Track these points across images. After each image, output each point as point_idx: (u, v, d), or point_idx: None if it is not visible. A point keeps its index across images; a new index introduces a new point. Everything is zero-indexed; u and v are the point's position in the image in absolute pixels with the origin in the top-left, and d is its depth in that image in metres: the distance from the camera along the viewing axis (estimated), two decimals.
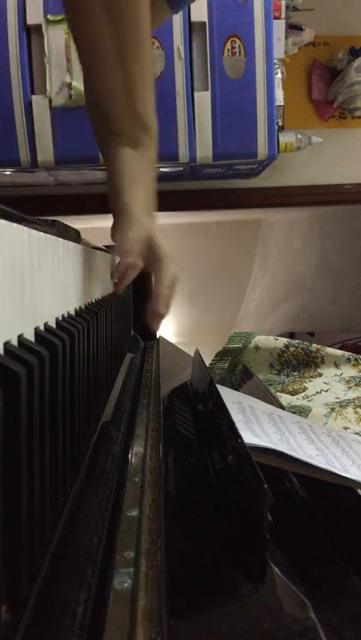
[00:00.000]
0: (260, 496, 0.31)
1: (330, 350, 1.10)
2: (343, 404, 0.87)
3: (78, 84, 1.37)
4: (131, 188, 0.56)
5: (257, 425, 0.53)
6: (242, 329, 2.65)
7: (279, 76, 1.53)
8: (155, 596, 0.27)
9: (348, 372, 1.04)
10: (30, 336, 0.31)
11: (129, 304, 1.04)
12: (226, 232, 3.36)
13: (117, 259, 0.57)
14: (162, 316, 0.56)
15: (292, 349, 1.10)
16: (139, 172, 0.57)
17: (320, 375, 1.04)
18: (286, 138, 1.61)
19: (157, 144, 0.61)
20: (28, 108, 1.40)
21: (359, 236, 2.56)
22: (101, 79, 0.56)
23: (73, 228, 0.58)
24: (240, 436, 0.39)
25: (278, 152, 1.52)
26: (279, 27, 1.50)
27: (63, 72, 1.38)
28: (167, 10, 0.71)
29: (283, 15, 1.50)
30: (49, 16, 1.36)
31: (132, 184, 0.56)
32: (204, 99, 1.43)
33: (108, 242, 0.69)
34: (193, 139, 1.45)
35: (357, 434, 0.76)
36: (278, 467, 0.46)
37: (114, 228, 0.61)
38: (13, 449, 0.25)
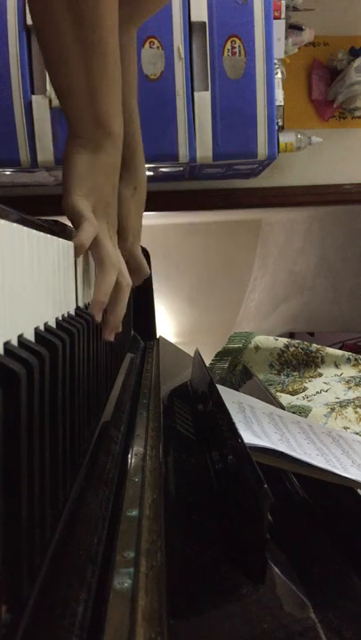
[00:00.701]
0: (260, 496, 0.31)
1: (330, 350, 1.10)
2: (343, 404, 0.87)
3: None
4: (81, 193, 0.54)
5: (257, 425, 0.53)
6: (242, 329, 2.65)
7: (279, 76, 1.53)
8: (155, 596, 0.27)
9: (348, 372, 1.04)
10: (30, 336, 0.31)
11: (129, 304, 1.04)
12: (226, 232, 3.37)
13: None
14: (109, 326, 0.53)
15: (292, 349, 1.10)
16: (94, 177, 0.55)
17: (320, 375, 1.04)
18: (286, 138, 1.61)
19: (121, 144, 0.59)
20: (28, 108, 1.40)
21: (359, 236, 2.56)
22: (62, 79, 0.55)
23: (73, 228, 0.58)
24: (240, 436, 0.39)
25: (278, 152, 1.52)
26: (279, 27, 1.50)
27: None
28: None
29: (283, 15, 1.50)
30: None
31: (84, 189, 0.55)
32: (204, 99, 1.43)
33: None
34: (193, 139, 1.45)
35: (357, 434, 0.76)
36: (278, 467, 0.46)
37: None
38: (13, 449, 0.25)
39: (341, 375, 1.03)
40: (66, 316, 0.41)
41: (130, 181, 0.72)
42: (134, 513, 0.34)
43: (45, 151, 1.41)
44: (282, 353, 1.10)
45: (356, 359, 1.07)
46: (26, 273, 0.30)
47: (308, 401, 0.92)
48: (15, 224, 0.28)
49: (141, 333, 1.13)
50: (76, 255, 0.48)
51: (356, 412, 0.84)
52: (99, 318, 0.50)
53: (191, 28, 1.41)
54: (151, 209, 1.91)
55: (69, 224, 0.55)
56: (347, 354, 1.09)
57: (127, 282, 0.56)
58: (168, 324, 3.59)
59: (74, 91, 0.54)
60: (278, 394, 0.95)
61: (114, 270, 0.53)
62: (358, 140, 1.94)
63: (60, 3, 0.51)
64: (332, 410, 0.85)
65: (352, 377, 1.01)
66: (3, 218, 0.27)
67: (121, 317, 0.55)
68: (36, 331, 0.32)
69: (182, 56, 1.40)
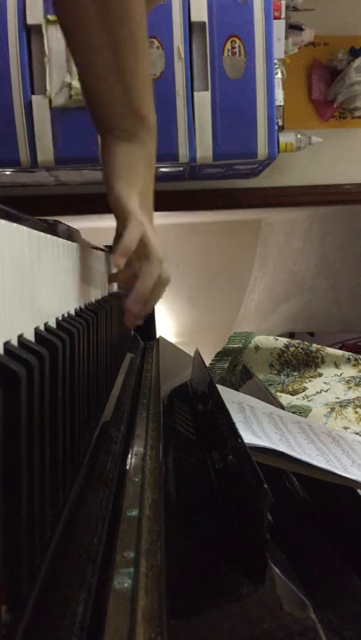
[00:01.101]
0: (260, 496, 0.31)
1: (330, 350, 1.10)
2: (343, 404, 0.87)
3: (78, 83, 1.37)
4: (124, 183, 0.54)
5: (257, 425, 0.53)
6: (242, 329, 2.65)
7: (279, 75, 1.53)
8: (155, 596, 0.26)
9: (348, 372, 1.04)
10: (30, 336, 0.31)
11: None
12: (226, 232, 3.37)
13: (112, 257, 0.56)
14: (136, 316, 0.54)
15: (292, 349, 1.10)
16: (133, 166, 0.55)
17: (320, 375, 1.04)
18: (286, 138, 1.61)
19: (156, 137, 0.58)
20: (28, 107, 1.40)
21: (359, 236, 2.56)
22: (93, 70, 0.54)
23: (73, 228, 0.58)
24: (240, 436, 0.39)
25: (278, 152, 1.52)
26: (279, 27, 1.50)
27: (63, 72, 1.38)
28: None
29: (283, 15, 1.50)
30: (49, 16, 1.36)
31: (125, 178, 0.54)
32: (204, 99, 1.43)
33: (108, 242, 0.69)
34: (193, 139, 1.45)
35: (357, 434, 0.76)
36: (278, 467, 0.46)
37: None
38: (13, 449, 0.25)
39: (341, 375, 1.03)
40: (66, 315, 0.41)
41: None
42: (134, 513, 0.34)
43: (45, 151, 1.41)
44: (282, 353, 1.10)
45: (356, 359, 1.07)
46: (26, 273, 0.30)
47: (309, 401, 0.92)
48: (15, 224, 0.28)
49: (141, 333, 1.13)
50: (123, 256, 0.49)
51: (356, 412, 0.84)
52: (137, 308, 0.52)
53: (191, 28, 1.41)
54: None
55: (69, 224, 0.55)
56: (347, 354, 1.09)
57: (168, 277, 0.56)
58: (168, 324, 3.59)
59: (105, 81, 0.54)
60: (278, 394, 0.95)
61: (159, 264, 0.54)
62: (358, 139, 1.94)
63: (90, 6, 0.50)
64: (332, 410, 0.85)
65: (352, 377, 1.01)
66: (3, 218, 0.27)
67: (151, 309, 0.56)
68: (36, 331, 0.32)
69: (182, 56, 1.40)
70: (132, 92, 0.54)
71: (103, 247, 0.77)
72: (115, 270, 0.55)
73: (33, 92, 1.40)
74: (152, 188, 0.59)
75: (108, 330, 0.60)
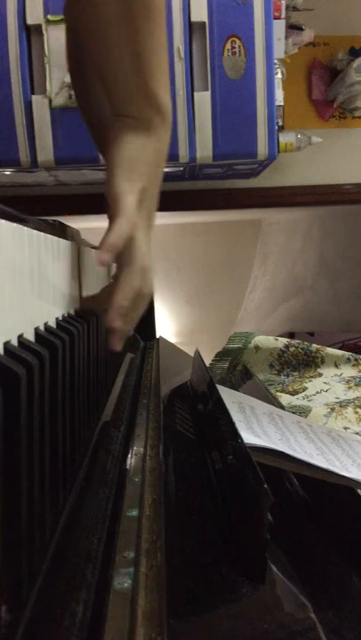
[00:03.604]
0: (260, 496, 0.31)
1: (330, 350, 1.10)
2: (343, 404, 0.87)
3: None
4: (126, 180, 0.48)
5: (257, 425, 0.53)
6: (242, 329, 2.65)
7: (279, 75, 1.53)
8: (155, 596, 0.26)
9: (349, 371, 1.04)
10: (30, 336, 0.31)
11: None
12: (226, 232, 3.37)
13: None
14: (120, 334, 0.47)
15: (292, 349, 1.10)
16: (140, 160, 0.49)
17: (320, 375, 1.04)
18: (286, 138, 1.61)
19: (170, 125, 0.53)
20: (28, 107, 1.40)
21: (359, 236, 2.56)
22: (108, 54, 0.48)
23: (73, 228, 0.58)
24: (240, 436, 0.39)
25: (278, 152, 1.52)
26: (279, 27, 1.50)
27: (63, 72, 1.38)
28: None
29: (283, 15, 1.50)
30: (49, 16, 1.36)
31: (128, 175, 0.48)
32: (204, 99, 1.43)
33: None
34: (193, 139, 1.45)
35: (357, 434, 0.76)
36: (278, 467, 0.46)
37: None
38: (13, 449, 0.25)
39: (341, 375, 1.03)
40: (66, 315, 0.41)
41: None
42: (134, 513, 0.34)
43: (45, 151, 1.41)
44: (282, 353, 1.10)
45: (356, 359, 1.07)
46: (26, 273, 0.30)
47: (309, 401, 0.92)
48: (15, 224, 0.28)
49: (141, 333, 1.13)
50: (107, 251, 0.43)
51: (356, 412, 0.84)
52: (116, 323, 0.46)
53: (191, 27, 1.41)
54: None
55: (69, 224, 0.55)
56: (347, 354, 1.09)
57: (150, 289, 0.49)
58: (168, 324, 3.59)
59: (119, 65, 0.48)
60: (278, 394, 0.95)
61: (141, 275, 0.47)
62: (358, 139, 1.94)
63: None
64: (333, 410, 0.85)
65: (352, 377, 1.01)
66: (3, 218, 0.27)
67: (134, 325, 0.51)
68: (36, 331, 0.32)
69: (182, 56, 1.40)
70: (151, 78, 0.48)
71: None
72: (98, 267, 0.50)
73: (33, 92, 1.40)
74: (158, 185, 0.53)
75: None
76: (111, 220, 0.47)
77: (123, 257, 0.47)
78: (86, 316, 0.46)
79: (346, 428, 0.80)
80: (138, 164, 0.49)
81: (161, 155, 0.52)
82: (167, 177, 1.65)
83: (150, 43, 0.48)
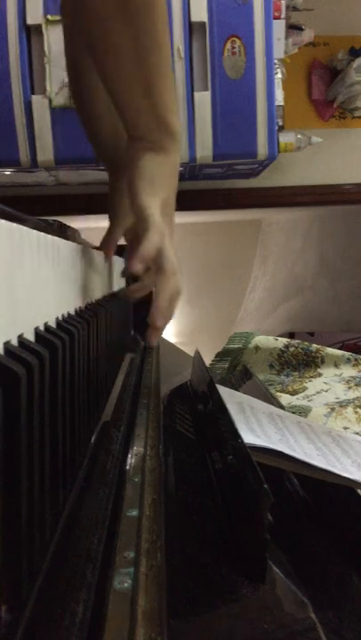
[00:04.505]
0: (260, 496, 0.31)
1: (330, 350, 1.10)
2: (343, 404, 0.87)
3: None
4: (148, 195, 0.54)
5: (257, 425, 0.53)
6: (242, 329, 2.65)
7: (279, 75, 1.53)
8: (155, 596, 0.26)
9: (349, 372, 1.04)
10: (30, 336, 0.31)
11: (129, 304, 1.04)
12: (226, 232, 3.37)
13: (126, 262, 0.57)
14: (159, 331, 0.55)
15: (292, 349, 1.10)
16: (158, 175, 0.56)
17: (320, 375, 1.04)
18: (286, 138, 1.61)
19: (180, 143, 0.59)
20: (28, 107, 1.40)
21: (359, 236, 2.56)
22: (121, 83, 0.53)
23: (73, 228, 0.58)
24: (240, 436, 0.39)
25: (278, 152, 1.52)
26: (279, 27, 1.50)
27: (63, 72, 1.37)
28: None
29: (283, 15, 1.50)
30: (49, 16, 1.36)
31: (149, 189, 0.55)
32: (204, 99, 1.43)
33: None
34: (193, 139, 1.45)
35: (357, 434, 0.76)
36: (278, 467, 0.46)
37: (129, 232, 0.60)
38: (13, 449, 0.25)
39: (341, 375, 1.03)
40: (66, 315, 0.41)
41: None
42: (134, 513, 0.34)
43: (45, 151, 1.41)
44: (282, 353, 1.10)
45: (356, 359, 1.07)
46: (26, 273, 0.30)
47: (309, 401, 0.92)
48: (15, 224, 0.28)
49: (141, 333, 1.13)
50: (140, 262, 0.49)
51: (356, 412, 0.84)
52: (160, 323, 0.53)
53: (191, 27, 1.41)
54: None
55: (69, 224, 0.55)
56: (347, 354, 1.09)
57: (180, 290, 0.57)
58: (168, 324, 3.59)
59: (132, 93, 0.53)
60: (278, 394, 0.95)
61: (175, 279, 0.55)
62: (358, 139, 1.94)
63: (116, 20, 0.50)
64: (333, 410, 0.85)
65: (352, 377, 1.01)
66: (3, 218, 0.27)
67: (170, 321, 0.57)
68: (36, 331, 0.32)
69: (182, 56, 1.40)
70: (159, 103, 0.54)
71: None
72: (116, 274, 0.55)
73: (33, 92, 1.40)
74: (174, 196, 0.59)
75: (108, 330, 0.60)
76: (112, 222, 0.54)
77: (155, 264, 0.54)
78: (87, 315, 0.46)
79: (346, 428, 0.80)
80: (157, 179, 0.56)
81: (175, 168, 0.58)
82: None
83: (160, 75, 0.53)
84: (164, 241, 0.53)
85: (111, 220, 0.68)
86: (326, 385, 0.98)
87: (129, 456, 0.45)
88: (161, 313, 0.53)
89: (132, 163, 0.55)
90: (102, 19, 0.51)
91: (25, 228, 0.30)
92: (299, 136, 1.62)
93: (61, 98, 1.39)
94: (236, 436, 0.39)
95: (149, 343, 0.55)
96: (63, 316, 0.40)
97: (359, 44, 1.86)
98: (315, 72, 1.90)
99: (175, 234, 0.58)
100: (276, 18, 1.46)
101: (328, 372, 1.05)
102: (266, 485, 0.30)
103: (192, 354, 0.84)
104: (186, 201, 1.86)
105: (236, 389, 0.90)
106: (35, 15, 1.37)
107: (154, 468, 0.42)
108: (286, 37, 1.56)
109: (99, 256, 0.61)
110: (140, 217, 0.54)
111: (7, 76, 1.38)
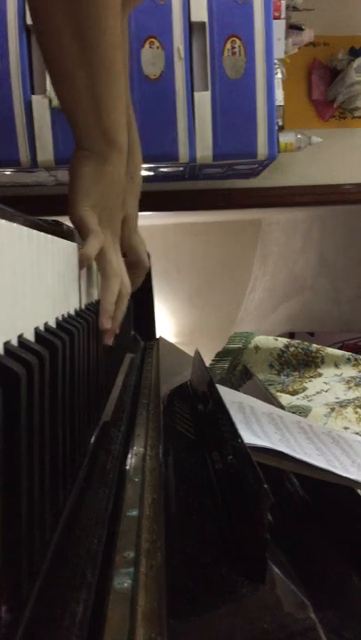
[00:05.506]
0: (260, 496, 0.31)
1: (330, 350, 1.10)
2: (343, 404, 0.87)
3: None
4: (86, 206, 0.56)
5: (257, 425, 0.53)
6: (242, 329, 2.65)
7: (279, 75, 1.53)
8: (155, 596, 0.26)
9: (349, 372, 1.04)
10: (30, 336, 0.31)
11: (129, 304, 1.04)
12: (226, 232, 3.37)
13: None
14: (110, 332, 0.55)
15: (292, 349, 1.10)
16: (98, 184, 0.57)
17: (320, 375, 1.04)
18: (286, 138, 1.61)
19: (126, 156, 0.60)
20: (28, 107, 1.40)
21: (359, 236, 2.56)
22: (68, 94, 0.55)
23: (73, 228, 0.58)
24: (240, 436, 0.39)
25: (278, 152, 1.52)
26: (279, 27, 1.50)
27: None
28: None
29: (283, 15, 1.50)
30: None
31: (87, 200, 0.56)
32: (204, 99, 1.43)
33: None
34: (193, 139, 1.45)
35: (357, 434, 0.76)
36: (278, 467, 0.46)
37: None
38: (13, 449, 0.25)
39: (341, 375, 1.03)
40: (66, 316, 0.41)
41: (127, 170, 0.74)
42: (134, 513, 0.34)
43: (45, 151, 1.41)
44: (282, 353, 1.10)
45: (356, 359, 1.07)
46: (26, 273, 0.30)
47: (309, 401, 0.92)
48: (15, 224, 0.28)
49: (141, 333, 1.13)
50: (81, 266, 0.50)
51: (356, 412, 0.84)
52: (108, 325, 0.54)
53: (191, 27, 1.41)
54: (151, 209, 1.91)
55: (70, 224, 0.55)
56: (347, 354, 1.09)
57: (127, 290, 0.59)
58: (168, 323, 3.59)
59: (79, 105, 0.54)
60: (278, 394, 0.95)
61: (117, 280, 0.56)
62: (358, 139, 1.94)
63: (61, 18, 0.50)
64: (333, 410, 0.85)
65: (352, 377, 1.01)
66: (3, 218, 0.27)
67: (120, 322, 0.58)
68: (36, 331, 0.32)
69: (182, 56, 1.40)
70: (106, 117, 0.55)
71: None
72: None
73: (33, 92, 1.40)
74: (118, 206, 0.60)
75: None
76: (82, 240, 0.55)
77: (99, 269, 0.57)
78: (87, 315, 0.46)
79: (346, 428, 0.80)
80: (93, 188, 0.57)
81: (115, 177, 0.58)
82: (167, 177, 1.65)
83: (109, 91, 0.54)
84: (104, 245, 0.55)
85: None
86: (326, 385, 0.98)
87: (129, 456, 0.45)
88: (107, 314, 0.54)
89: (73, 172, 0.57)
90: (53, 33, 0.51)
91: (25, 228, 0.30)
92: (299, 136, 1.62)
93: None
94: (236, 435, 0.39)
95: (105, 342, 0.56)
96: (63, 316, 0.40)
97: (359, 43, 1.86)
98: (315, 72, 1.90)
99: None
100: (276, 18, 1.46)
101: (328, 372, 1.05)
102: (266, 485, 0.30)
103: (192, 354, 0.84)
104: (186, 201, 1.86)
105: (236, 389, 0.90)
106: None
107: (154, 468, 0.42)
108: (286, 37, 1.56)
109: None
110: (76, 227, 0.55)
111: (7, 75, 1.38)
